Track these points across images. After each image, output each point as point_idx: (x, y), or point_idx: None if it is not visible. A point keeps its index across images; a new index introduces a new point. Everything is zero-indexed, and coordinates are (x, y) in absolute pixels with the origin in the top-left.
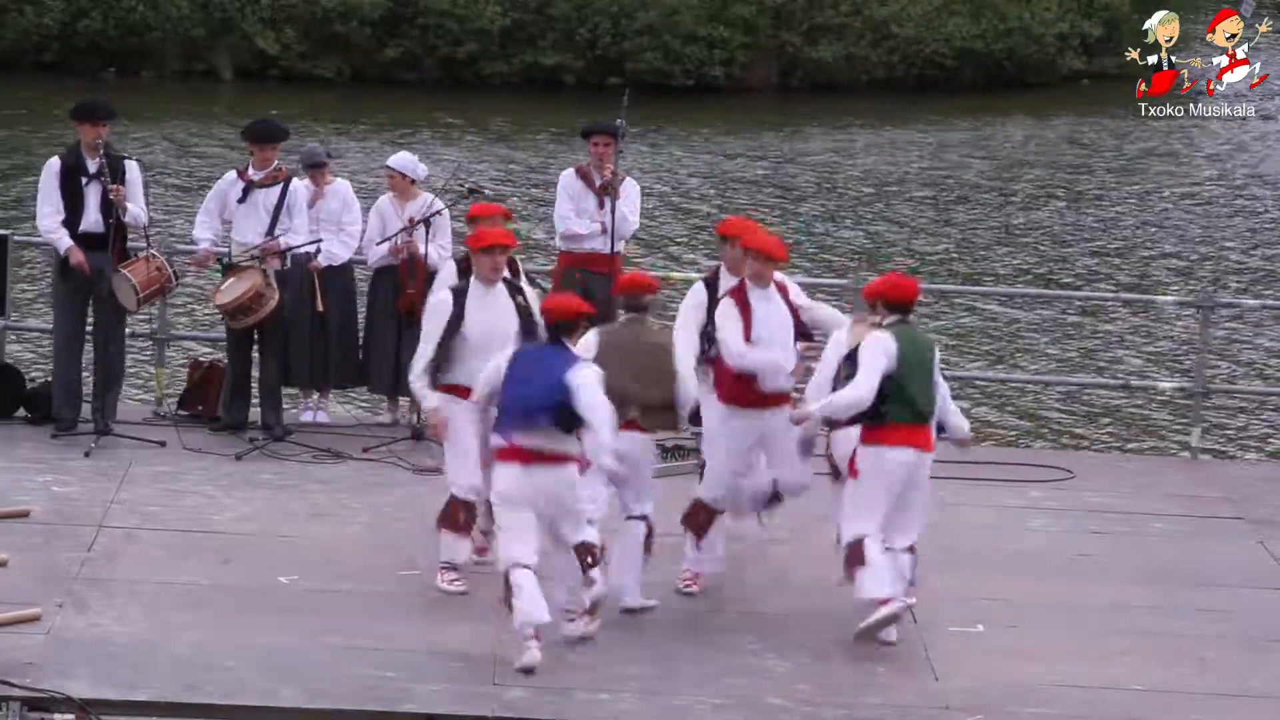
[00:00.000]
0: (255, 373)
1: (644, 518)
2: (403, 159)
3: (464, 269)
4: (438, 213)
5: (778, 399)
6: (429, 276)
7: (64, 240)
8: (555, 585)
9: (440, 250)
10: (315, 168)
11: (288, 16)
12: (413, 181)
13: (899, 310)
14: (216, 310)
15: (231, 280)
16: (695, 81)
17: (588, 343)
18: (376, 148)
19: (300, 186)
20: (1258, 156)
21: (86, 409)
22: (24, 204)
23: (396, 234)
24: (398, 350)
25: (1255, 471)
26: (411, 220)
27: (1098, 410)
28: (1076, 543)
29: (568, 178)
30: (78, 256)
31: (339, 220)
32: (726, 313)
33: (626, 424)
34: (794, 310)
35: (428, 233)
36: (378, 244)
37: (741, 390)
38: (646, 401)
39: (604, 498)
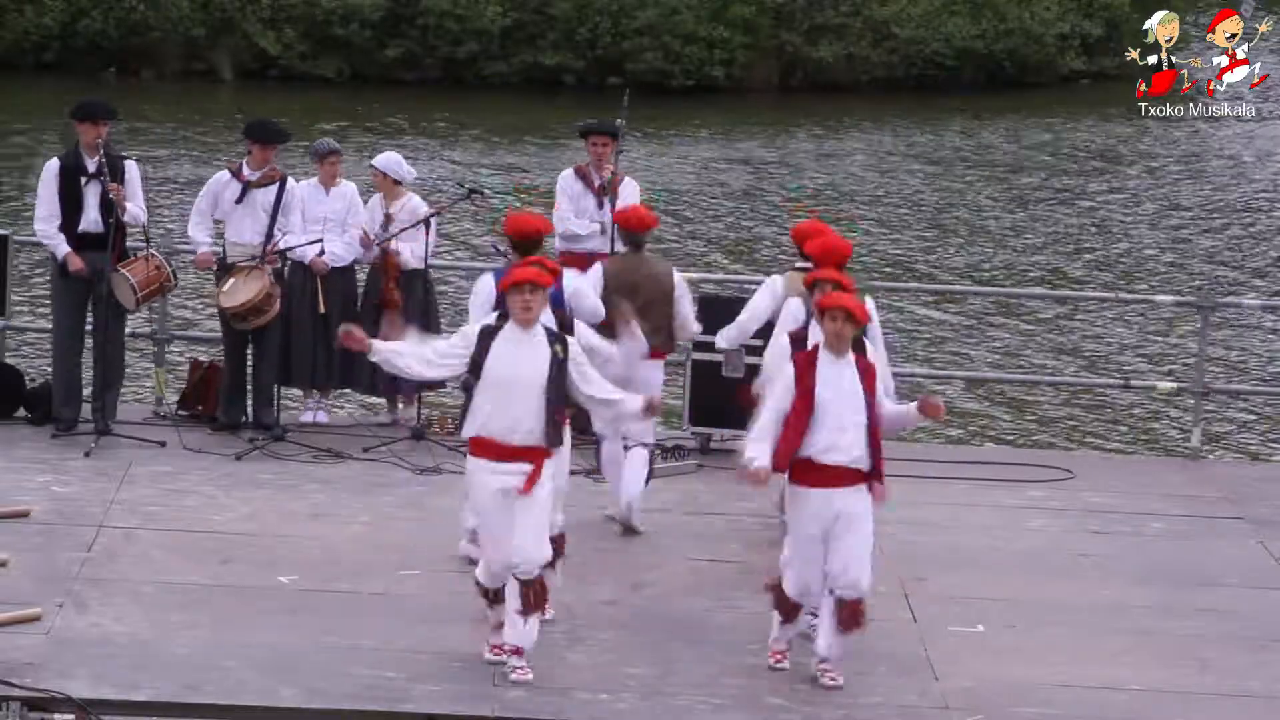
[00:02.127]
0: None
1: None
2: (386, 159)
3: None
4: (425, 220)
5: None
6: (400, 277)
7: (61, 246)
8: None
9: (413, 250)
10: (334, 154)
11: (288, 17)
12: (396, 182)
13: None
14: (224, 312)
15: (234, 281)
16: (695, 82)
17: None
18: (375, 149)
19: (296, 187)
20: (1254, 158)
21: (86, 409)
22: (7, 203)
23: (397, 233)
24: None
25: (1255, 471)
26: (388, 216)
27: (1097, 410)
28: (1076, 543)
29: (566, 178)
30: (76, 264)
31: (343, 221)
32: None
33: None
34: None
35: (428, 233)
36: (378, 244)
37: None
38: (647, 325)
39: None
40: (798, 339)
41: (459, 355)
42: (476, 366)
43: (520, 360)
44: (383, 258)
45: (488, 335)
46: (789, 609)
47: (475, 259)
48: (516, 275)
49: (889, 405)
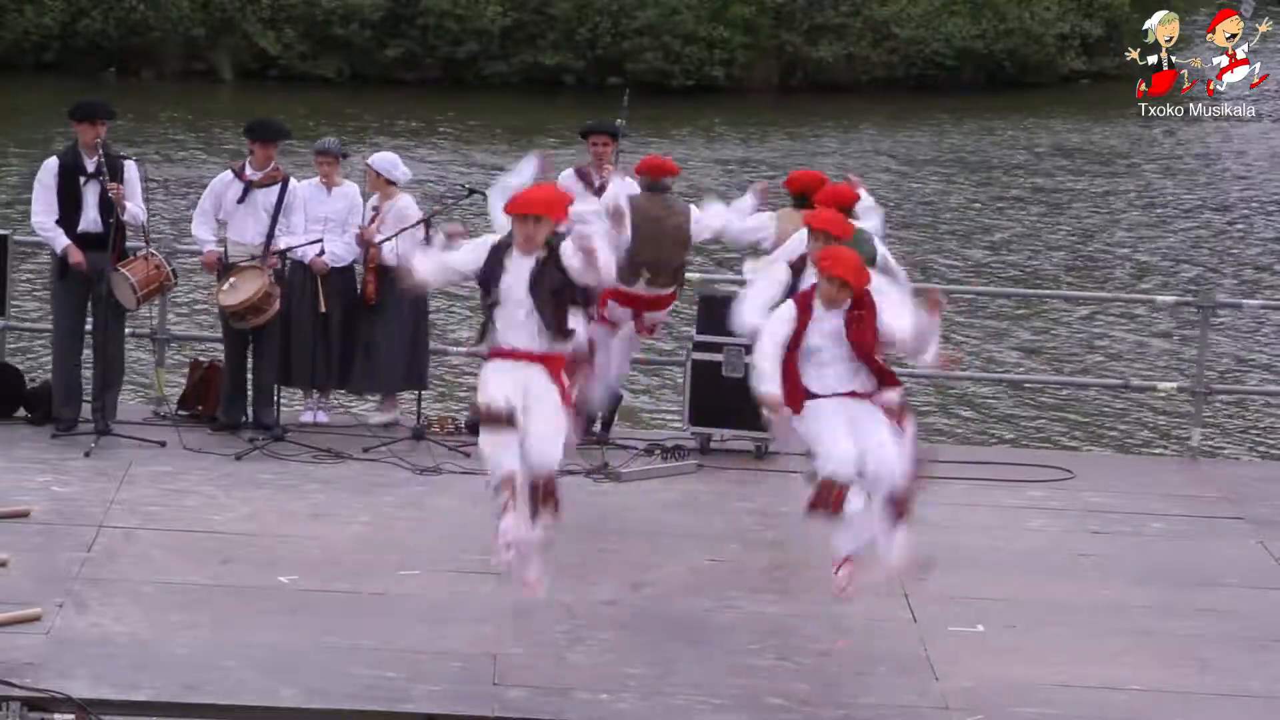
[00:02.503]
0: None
1: None
2: (381, 159)
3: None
4: (424, 220)
5: None
6: (379, 269)
7: (60, 239)
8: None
9: (393, 247)
10: (324, 154)
11: (288, 17)
12: (389, 182)
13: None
14: (223, 311)
15: (234, 280)
16: (695, 82)
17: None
18: (375, 149)
19: (298, 187)
20: (1248, 158)
21: (86, 409)
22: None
23: (396, 233)
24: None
25: (1255, 471)
26: (376, 210)
27: (1097, 410)
28: (1076, 543)
29: (567, 178)
30: (76, 256)
31: (344, 221)
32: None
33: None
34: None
35: (428, 233)
36: (379, 241)
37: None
38: (659, 263)
39: None
40: (795, 269)
41: (461, 267)
42: (490, 282)
43: (519, 273)
44: (365, 252)
45: (499, 250)
46: (836, 499)
47: None
48: (521, 202)
49: (906, 329)
